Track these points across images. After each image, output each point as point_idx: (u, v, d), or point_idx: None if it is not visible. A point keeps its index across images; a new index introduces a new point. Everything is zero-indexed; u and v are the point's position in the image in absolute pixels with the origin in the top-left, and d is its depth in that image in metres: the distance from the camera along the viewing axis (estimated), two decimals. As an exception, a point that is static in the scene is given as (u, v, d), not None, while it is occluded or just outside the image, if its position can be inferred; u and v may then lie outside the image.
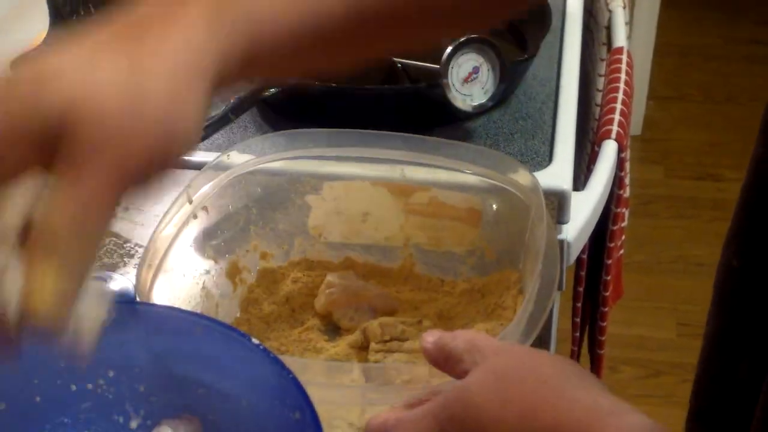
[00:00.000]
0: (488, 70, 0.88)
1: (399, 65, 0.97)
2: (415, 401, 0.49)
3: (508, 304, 0.66)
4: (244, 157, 0.73)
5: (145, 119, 0.40)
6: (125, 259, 0.78)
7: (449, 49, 0.86)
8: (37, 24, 1.03)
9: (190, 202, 0.69)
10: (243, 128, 0.94)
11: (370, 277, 0.72)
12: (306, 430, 0.46)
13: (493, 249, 0.73)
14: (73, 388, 0.55)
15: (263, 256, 0.74)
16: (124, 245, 0.79)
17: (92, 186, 0.39)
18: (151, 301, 0.59)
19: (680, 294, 2.07)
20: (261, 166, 0.73)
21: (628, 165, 1.32)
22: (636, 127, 2.58)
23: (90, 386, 0.56)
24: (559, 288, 0.91)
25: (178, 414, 0.55)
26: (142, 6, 0.44)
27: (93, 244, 0.41)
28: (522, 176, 0.70)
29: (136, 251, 0.78)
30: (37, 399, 0.55)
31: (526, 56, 0.93)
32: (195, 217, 0.70)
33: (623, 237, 1.27)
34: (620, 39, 1.17)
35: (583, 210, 0.87)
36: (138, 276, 0.62)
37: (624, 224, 1.26)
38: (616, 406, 0.42)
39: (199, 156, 0.89)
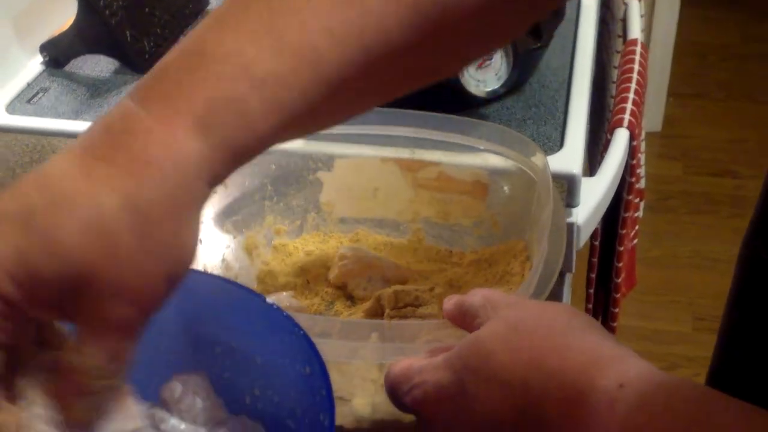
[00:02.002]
0: (501, 57, 0.90)
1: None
2: (435, 350, 0.51)
3: (516, 271, 0.68)
4: None
5: (154, 265, 0.42)
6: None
7: (464, 36, 0.88)
8: (65, 9, 1.07)
9: None
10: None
11: (381, 250, 0.75)
12: (315, 383, 0.49)
13: (500, 221, 0.75)
14: (98, 345, 0.58)
15: (277, 231, 0.77)
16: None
17: (118, 329, 0.43)
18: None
19: (696, 288, 2.09)
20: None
21: (642, 157, 1.34)
22: (655, 123, 2.59)
23: (112, 343, 0.59)
24: (569, 270, 0.93)
25: (188, 370, 0.58)
26: (116, 123, 0.42)
27: (120, 376, 0.45)
28: (529, 152, 0.73)
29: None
30: (64, 355, 0.58)
31: (539, 45, 0.96)
32: (214, 193, 0.73)
33: (636, 227, 1.29)
34: (635, 31, 1.19)
35: (594, 195, 0.90)
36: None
37: (638, 214, 1.28)
38: (620, 352, 0.43)
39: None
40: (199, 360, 0.58)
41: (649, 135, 2.62)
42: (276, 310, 0.53)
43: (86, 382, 0.43)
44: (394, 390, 0.50)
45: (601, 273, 1.15)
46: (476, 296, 0.51)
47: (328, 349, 0.54)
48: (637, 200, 1.21)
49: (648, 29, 2.46)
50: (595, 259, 1.11)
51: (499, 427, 0.45)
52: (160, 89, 0.43)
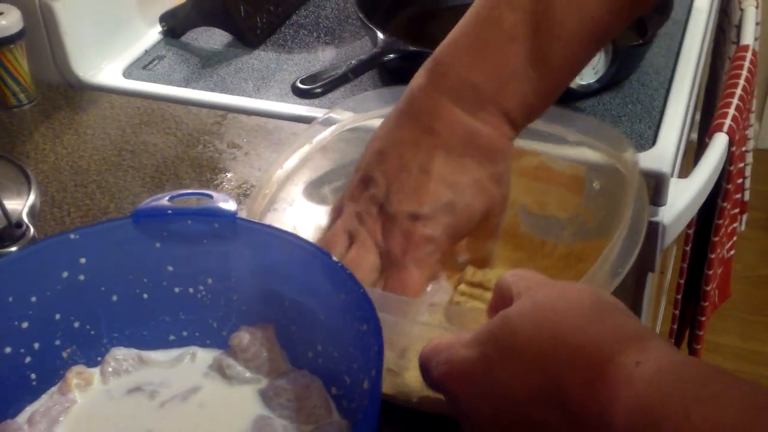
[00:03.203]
0: (600, 51, 0.90)
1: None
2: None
3: None
4: (361, 110, 0.78)
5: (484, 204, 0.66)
6: (241, 198, 0.85)
7: (563, 28, 0.88)
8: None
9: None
10: (362, 90, 0.99)
11: None
12: (369, 340, 0.51)
13: (595, 217, 0.75)
14: (176, 290, 0.62)
15: None
16: (242, 185, 0.86)
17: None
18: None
19: (803, 311, 2.03)
20: (371, 121, 0.78)
21: (748, 168, 1.31)
22: (775, 140, 2.51)
23: (191, 290, 0.62)
24: (652, 269, 0.92)
25: (255, 321, 0.61)
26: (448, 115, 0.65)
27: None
28: (622, 148, 0.72)
29: (252, 191, 0.85)
30: (145, 296, 0.62)
31: (641, 42, 0.95)
32: (309, 160, 0.76)
33: (734, 239, 1.26)
34: (748, 37, 1.17)
35: (683, 196, 0.89)
36: (250, 205, 0.69)
37: (736, 225, 1.25)
38: (642, 332, 0.44)
39: (316, 112, 0.96)
40: (268, 314, 0.61)
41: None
42: (341, 268, 0.55)
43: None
44: (425, 366, 0.52)
45: (692, 280, 1.14)
46: (510, 277, 0.53)
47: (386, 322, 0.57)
48: (735, 211, 1.19)
49: (758, 32, 2.38)
50: (685, 265, 1.10)
51: (522, 402, 0.46)
52: (478, 98, 0.65)
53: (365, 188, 0.66)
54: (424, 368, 0.52)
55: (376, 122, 0.78)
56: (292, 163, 0.76)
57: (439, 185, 0.65)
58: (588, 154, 0.75)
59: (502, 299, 0.52)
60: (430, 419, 0.61)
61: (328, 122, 0.78)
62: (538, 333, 0.46)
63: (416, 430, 0.62)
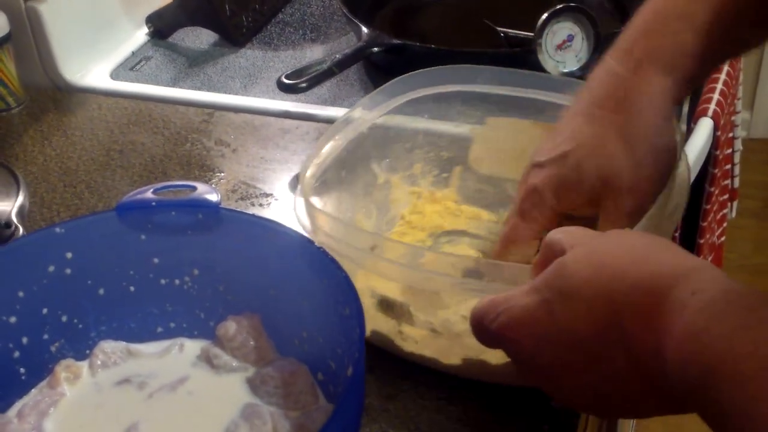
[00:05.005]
0: (582, 39, 0.91)
1: (501, 34, 1.02)
2: None
3: None
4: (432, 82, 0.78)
5: (645, 168, 0.60)
6: (229, 193, 0.85)
7: (544, 16, 0.89)
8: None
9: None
10: (348, 84, 1.00)
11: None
12: (352, 322, 0.52)
13: None
14: (163, 282, 0.63)
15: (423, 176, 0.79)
16: (230, 181, 0.87)
17: (624, 224, 0.59)
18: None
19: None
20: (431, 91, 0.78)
21: (737, 155, 1.32)
22: (767, 129, 2.51)
23: (177, 282, 0.63)
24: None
25: (242, 311, 0.61)
26: (604, 79, 0.62)
27: None
28: None
29: (239, 187, 0.86)
30: (131, 289, 0.63)
31: (623, 28, 0.95)
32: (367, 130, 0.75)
33: (725, 225, 1.26)
34: (732, 23, 1.17)
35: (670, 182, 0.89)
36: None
37: (726, 212, 1.26)
38: (698, 264, 0.44)
39: (302, 108, 0.97)
40: (254, 302, 0.62)
41: (761, 141, 2.55)
42: (322, 254, 0.56)
43: None
44: (481, 321, 0.52)
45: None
46: (559, 233, 0.53)
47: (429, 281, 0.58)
48: (724, 197, 1.19)
49: None
50: (675, 251, 1.10)
51: (584, 340, 0.47)
52: (629, 54, 0.62)
53: None
54: (479, 324, 0.53)
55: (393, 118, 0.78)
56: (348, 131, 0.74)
57: (561, 135, 0.63)
58: None
59: (552, 254, 0.52)
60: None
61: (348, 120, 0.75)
62: (595, 274, 0.47)
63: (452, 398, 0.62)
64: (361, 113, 0.74)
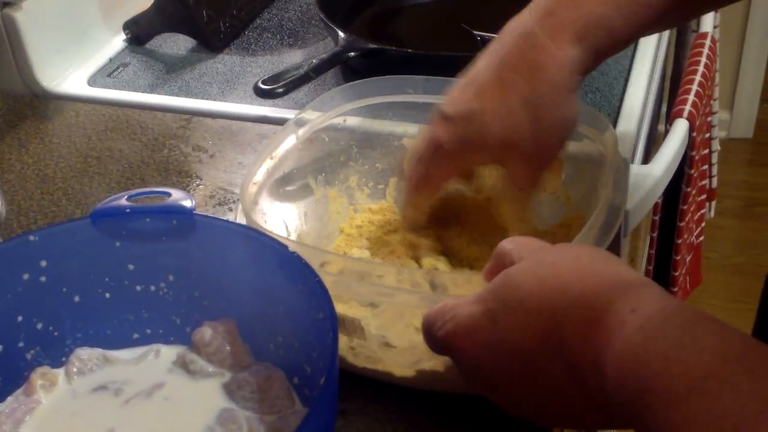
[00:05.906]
0: None
1: (478, 37, 1.02)
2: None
3: None
4: (359, 96, 0.79)
5: (547, 137, 0.65)
6: (207, 199, 0.85)
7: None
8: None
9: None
10: (325, 89, 1.00)
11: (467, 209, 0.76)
12: (325, 325, 0.52)
13: (572, 197, 0.76)
14: (138, 288, 0.63)
15: (359, 188, 0.79)
16: (207, 186, 0.87)
17: (528, 176, 0.67)
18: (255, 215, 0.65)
19: (778, 298, 2.04)
20: (364, 104, 0.79)
21: (715, 155, 1.33)
22: (747, 130, 2.53)
23: (153, 288, 0.63)
24: (617, 256, 0.93)
25: (217, 317, 0.61)
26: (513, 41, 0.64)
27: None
28: (601, 127, 0.73)
29: (217, 192, 0.86)
30: (107, 296, 0.63)
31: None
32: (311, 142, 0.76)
33: (703, 225, 1.27)
34: (707, 25, 1.18)
35: (645, 182, 0.90)
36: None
37: (704, 212, 1.26)
38: (640, 281, 0.45)
39: (279, 113, 0.97)
40: (229, 308, 0.62)
41: (740, 141, 2.57)
42: (296, 258, 0.56)
43: None
44: (429, 328, 0.53)
45: (661, 267, 1.15)
46: (509, 243, 0.54)
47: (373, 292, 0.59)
48: (701, 197, 1.20)
49: (742, 34, 2.41)
50: (653, 251, 1.11)
51: (525, 354, 0.47)
52: (550, 16, 0.63)
53: None
54: (428, 330, 0.53)
55: (339, 120, 0.78)
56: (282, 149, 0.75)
57: (473, 85, 0.65)
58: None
59: (502, 264, 0.53)
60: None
61: (300, 122, 0.77)
62: (539, 286, 0.47)
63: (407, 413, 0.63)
64: (293, 128, 0.75)
